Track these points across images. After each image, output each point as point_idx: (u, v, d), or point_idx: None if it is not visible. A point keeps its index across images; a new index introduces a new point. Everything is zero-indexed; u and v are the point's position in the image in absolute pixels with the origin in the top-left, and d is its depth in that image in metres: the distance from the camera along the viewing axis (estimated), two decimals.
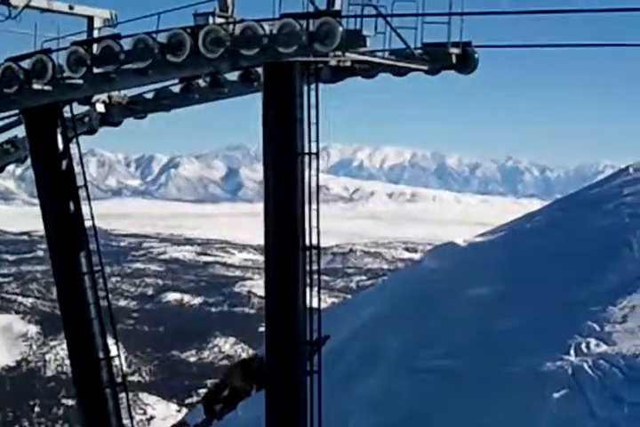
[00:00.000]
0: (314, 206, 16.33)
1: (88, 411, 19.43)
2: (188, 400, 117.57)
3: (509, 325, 24.40)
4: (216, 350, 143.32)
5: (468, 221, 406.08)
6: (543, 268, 27.29)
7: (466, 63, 17.06)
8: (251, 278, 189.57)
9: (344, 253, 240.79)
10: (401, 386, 23.47)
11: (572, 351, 21.77)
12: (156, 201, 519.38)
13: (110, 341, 19.39)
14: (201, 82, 18.71)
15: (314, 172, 16.40)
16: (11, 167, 22.61)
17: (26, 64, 17.56)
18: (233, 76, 18.24)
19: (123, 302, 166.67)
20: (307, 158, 16.29)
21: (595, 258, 26.93)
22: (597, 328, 22.63)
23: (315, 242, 16.44)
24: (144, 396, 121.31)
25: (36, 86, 17.45)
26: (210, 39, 15.84)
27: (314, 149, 16.32)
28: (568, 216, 32.66)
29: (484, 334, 24.38)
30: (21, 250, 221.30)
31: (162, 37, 16.26)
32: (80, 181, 18.63)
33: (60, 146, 18.42)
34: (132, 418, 20.11)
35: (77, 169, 18.68)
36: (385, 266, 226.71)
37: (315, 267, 16.55)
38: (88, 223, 18.67)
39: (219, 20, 16.11)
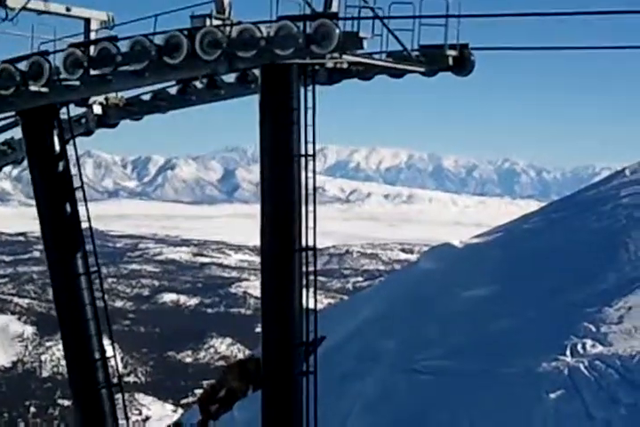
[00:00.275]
0: (310, 208, 16.36)
1: (84, 411, 19.43)
2: (184, 401, 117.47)
3: (506, 325, 24.44)
4: (212, 350, 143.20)
5: (464, 223, 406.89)
6: (539, 269, 27.36)
7: (463, 65, 17.08)
8: (247, 279, 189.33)
9: (340, 255, 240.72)
10: (397, 387, 23.50)
11: (568, 352, 21.82)
12: (152, 202, 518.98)
13: (106, 341, 19.38)
14: (198, 84, 18.71)
15: (310, 173, 16.41)
16: (7, 168, 22.59)
17: (22, 66, 17.55)
18: (230, 77, 18.25)
19: (119, 303, 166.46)
20: (303, 160, 16.31)
21: (591, 259, 27.00)
22: (593, 329, 22.68)
23: (311, 243, 16.46)
24: (140, 396, 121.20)
25: (32, 88, 17.45)
26: (207, 41, 15.85)
27: (310, 151, 16.34)
28: (565, 218, 32.74)
29: (481, 334, 24.42)
30: (17, 251, 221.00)
31: (159, 39, 16.26)
32: (77, 183, 18.62)
33: (57, 147, 18.42)
34: (127, 418, 20.10)
35: (74, 170, 18.67)
36: (381, 267, 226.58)
37: (311, 268, 16.57)
38: (84, 224, 18.68)
39: (216, 22, 16.11)
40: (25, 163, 19.56)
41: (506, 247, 31.38)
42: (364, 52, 15.98)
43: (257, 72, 16.82)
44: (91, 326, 18.78)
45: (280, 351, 16.78)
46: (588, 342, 22.11)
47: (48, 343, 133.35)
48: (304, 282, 16.57)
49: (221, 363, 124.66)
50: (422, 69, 17.09)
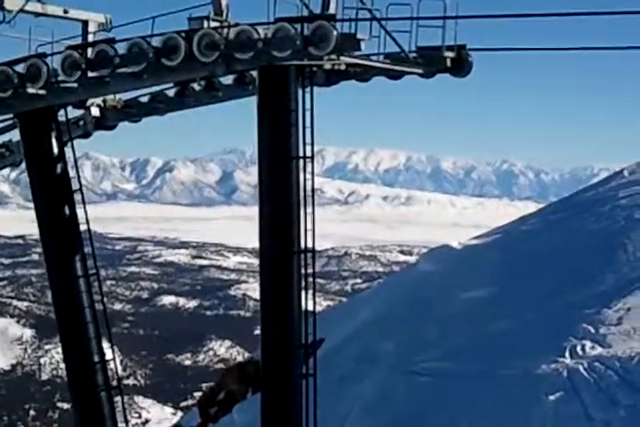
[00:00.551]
0: (309, 209, 16.34)
1: (83, 414, 19.40)
2: (184, 404, 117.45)
3: (504, 327, 24.44)
4: (211, 353, 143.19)
5: (462, 224, 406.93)
6: (538, 270, 27.35)
7: (460, 66, 17.07)
8: (246, 282, 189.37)
9: (339, 257, 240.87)
10: (397, 388, 23.49)
11: (567, 354, 21.80)
12: (150, 204, 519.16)
13: (105, 344, 19.35)
14: (196, 86, 18.69)
15: (309, 175, 16.40)
16: (5, 171, 22.59)
17: (20, 68, 17.54)
18: (228, 79, 18.24)
19: (118, 306, 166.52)
20: (301, 162, 16.30)
21: (590, 260, 27.00)
22: (592, 331, 22.67)
23: (310, 245, 16.45)
24: (139, 399, 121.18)
25: (30, 90, 17.42)
26: (204, 43, 15.84)
27: (308, 153, 16.32)
28: (563, 219, 32.75)
29: (480, 336, 24.41)
30: (16, 253, 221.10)
31: (156, 41, 16.25)
32: (75, 185, 18.60)
33: (55, 150, 18.39)
34: (127, 421, 20.09)
35: (72, 173, 18.64)
36: (380, 269, 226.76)
37: (310, 270, 16.55)
38: (83, 227, 18.66)
39: (213, 24, 16.10)
40: (23, 165, 19.52)
41: (504, 249, 31.39)
42: (361, 53, 15.95)
43: (255, 74, 16.80)
44: (90, 329, 18.75)
45: (279, 354, 16.76)
46: (587, 344, 22.09)
47: (47, 346, 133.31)
48: (303, 284, 16.56)
49: (220, 365, 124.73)
50: (420, 71, 17.07)
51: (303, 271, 16.52)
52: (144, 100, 19.62)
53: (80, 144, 19.81)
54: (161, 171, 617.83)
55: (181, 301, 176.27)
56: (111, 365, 19.29)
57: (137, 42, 16.39)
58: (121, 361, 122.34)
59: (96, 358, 18.86)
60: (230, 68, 16.02)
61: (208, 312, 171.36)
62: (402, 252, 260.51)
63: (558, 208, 36.39)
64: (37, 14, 17.81)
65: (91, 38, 18.11)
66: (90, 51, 16.97)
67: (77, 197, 18.57)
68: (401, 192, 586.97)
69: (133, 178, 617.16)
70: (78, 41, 17.96)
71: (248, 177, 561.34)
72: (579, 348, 21.95)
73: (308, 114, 16.16)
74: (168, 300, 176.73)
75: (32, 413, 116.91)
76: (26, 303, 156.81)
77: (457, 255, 32.30)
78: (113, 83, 17.07)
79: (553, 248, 29.06)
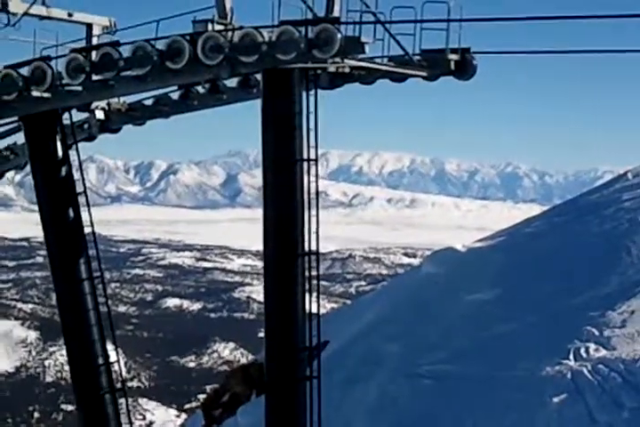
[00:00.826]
0: (313, 212, 16.37)
1: (87, 416, 19.45)
2: (188, 406, 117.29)
3: (509, 329, 24.40)
4: (215, 355, 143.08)
5: (467, 227, 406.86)
6: (542, 273, 27.31)
7: (464, 69, 17.08)
8: (250, 284, 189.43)
9: (343, 259, 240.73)
10: (401, 391, 23.47)
11: (571, 356, 21.77)
12: (155, 207, 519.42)
13: (110, 346, 19.42)
14: (200, 88, 18.73)
15: (313, 178, 16.44)
16: (10, 174, 22.62)
17: (25, 71, 17.59)
18: (232, 82, 18.27)
19: (122, 308, 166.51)
20: (306, 164, 16.33)
21: (594, 263, 26.95)
22: (596, 333, 22.63)
23: (314, 247, 16.48)
24: (143, 401, 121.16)
25: (35, 93, 17.48)
26: (209, 46, 15.88)
27: (313, 155, 16.36)
28: (567, 221, 32.68)
29: (484, 338, 24.39)
30: (21, 256, 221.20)
31: (161, 44, 16.29)
32: (79, 188, 18.66)
33: (60, 152, 18.46)
34: (131, 423, 20.15)
35: (77, 175, 18.72)
36: (384, 271, 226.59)
37: (314, 272, 16.58)
38: (87, 229, 18.70)
39: (218, 27, 16.13)
40: (28, 168, 19.60)
41: (508, 251, 31.33)
42: (365, 56, 15.99)
43: (259, 77, 16.83)
44: (94, 331, 18.80)
45: (283, 356, 16.79)
46: (592, 346, 22.06)
47: (52, 348, 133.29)
48: (307, 286, 16.59)
49: (225, 368, 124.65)
50: (424, 74, 17.10)
51: (307, 274, 16.55)
52: (148, 102, 19.67)
53: (84, 147, 19.90)
54: (165, 173, 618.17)
55: (185, 303, 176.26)
56: (115, 367, 19.34)
57: (141, 45, 16.43)
58: (125, 363, 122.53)
59: (100, 361, 18.92)
60: (235, 70, 16.06)
61: (212, 314, 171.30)
62: (406, 254, 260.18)
63: (562, 211, 36.30)
64: (42, 17, 17.88)
65: (95, 41, 18.17)
66: (94, 54, 17.02)
67: (82, 199, 18.63)
68: (405, 195, 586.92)
69: (138, 181, 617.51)
70: (83, 44, 18.02)
71: (252, 180, 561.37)
72: (583, 350, 21.92)
73: (312, 117, 16.21)
74: (172, 302, 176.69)
75: (36, 415, 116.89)
76: (30, 306, 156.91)
77: (461, 258, 32.24)
78: (117, 86, 17.12)
79: (557, 251, 29.01)
